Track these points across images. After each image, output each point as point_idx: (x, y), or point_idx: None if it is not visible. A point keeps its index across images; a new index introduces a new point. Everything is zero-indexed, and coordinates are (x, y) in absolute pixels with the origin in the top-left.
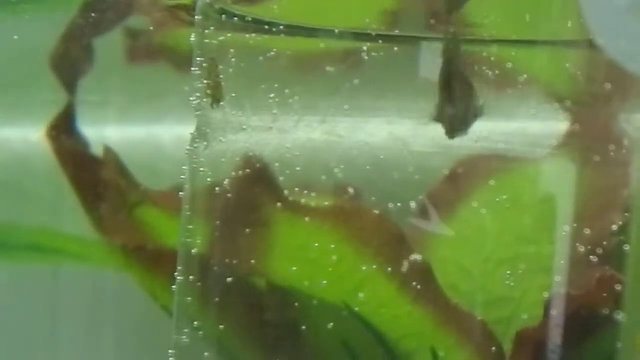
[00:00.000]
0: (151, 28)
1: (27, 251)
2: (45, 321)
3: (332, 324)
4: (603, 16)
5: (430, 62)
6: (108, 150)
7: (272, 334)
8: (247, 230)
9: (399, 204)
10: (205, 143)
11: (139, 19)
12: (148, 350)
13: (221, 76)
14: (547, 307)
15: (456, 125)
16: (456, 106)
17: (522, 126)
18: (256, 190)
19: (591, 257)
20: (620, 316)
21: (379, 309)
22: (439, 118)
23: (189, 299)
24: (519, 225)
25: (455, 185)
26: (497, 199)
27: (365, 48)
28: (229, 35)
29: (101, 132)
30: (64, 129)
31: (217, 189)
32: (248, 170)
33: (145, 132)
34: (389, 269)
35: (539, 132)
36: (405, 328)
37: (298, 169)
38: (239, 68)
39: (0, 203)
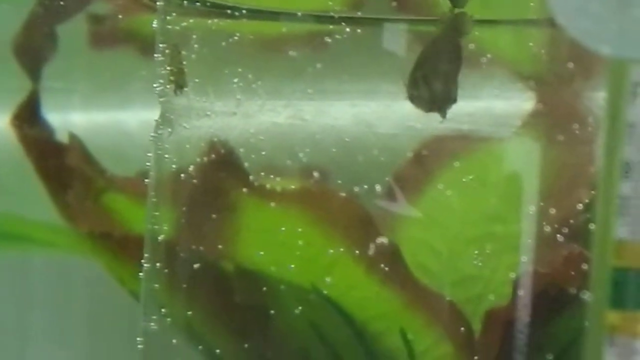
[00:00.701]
0: (115, 14)
1: None
2: (14, 308)
3: (300, 307)
4: None
5: (394, 43)
6: (73, 136)
7: (240, 318)
8: (214, 215)
9: (365, 186)
10: (169, 129)
11: (102, 5)
12: (121, 336)
13: (184, 62)
14: (516, 285)
15: (440, 103)
16: (443, 82)
17: (486, 106)
18: (222, 175)
19: (558, 235)
20: (586, 295)
21: (347, 291)
22: (420, 95)
23: (156, 285)
24: (485, 205)
25: (421, 166)
26: (463, 179)
27: (328, 31)
28: (191, 20)
29: (66, 119)
30: (28, 117)
31: (182, 175)
32: (213, 156)
33: (111, 118)
34: (357, 251)
35: (504, 111)
36: (374, 309)
37: (263, 153)
38: (202, 53)
39: None
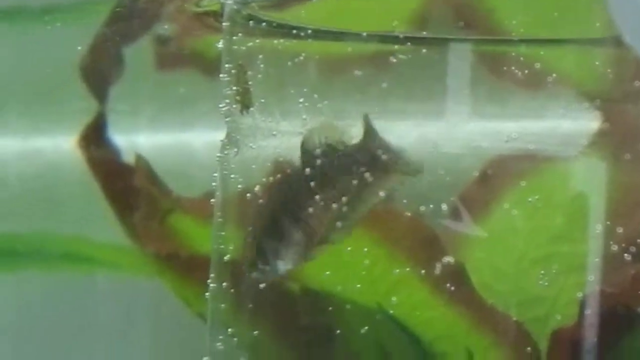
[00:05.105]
0: (180, 35)
1: (61, 260)
2: (79, 329)
3: (366, 327)
4: (631, 14)
5: (458, 63)
6: (139, 157)
7: (306, 338)
8: None
9: (430, 206)
10: (235, 149)
11: (167, 26)
12: (186, 357)
13: (250, 82)
14: (582, 305)
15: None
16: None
17: (552, 125)
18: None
19: (625, 254)
20: None
21: (412, 311)
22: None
23: (223, 305)
24: (551, 225)
25: (486, 185)
26: (529, 199)
27: (393, 51)
28: (256, 41)
29: (132, 140)
30: (94, 138)
31: (248, 194)
32: (279, 176)
33: (176, 139)
34: (422, 271)
35: (569, 131)
36: (439, 329)
37: None
38: (268, 73)
39: (33, 212)
